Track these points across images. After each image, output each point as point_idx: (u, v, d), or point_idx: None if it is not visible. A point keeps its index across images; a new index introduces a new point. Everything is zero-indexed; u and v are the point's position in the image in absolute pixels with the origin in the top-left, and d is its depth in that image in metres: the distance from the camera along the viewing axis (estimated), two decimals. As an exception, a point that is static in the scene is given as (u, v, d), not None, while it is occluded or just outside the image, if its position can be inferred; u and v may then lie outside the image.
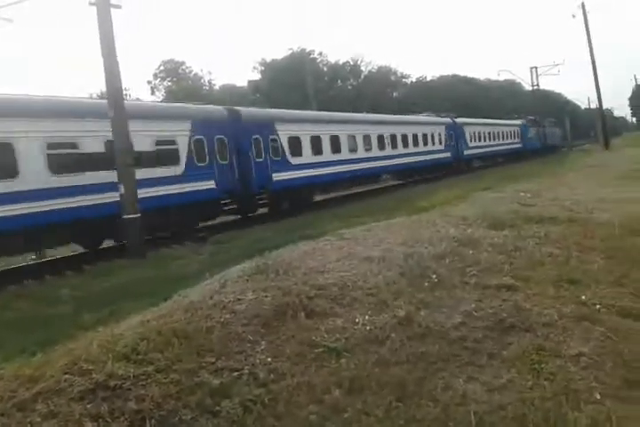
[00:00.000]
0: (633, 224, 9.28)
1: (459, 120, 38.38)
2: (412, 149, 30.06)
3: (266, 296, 5.29)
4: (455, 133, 36.36)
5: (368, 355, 4.46)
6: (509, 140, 47.64)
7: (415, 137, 30.74)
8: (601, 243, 7.98)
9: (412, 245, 7.07)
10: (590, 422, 3.61)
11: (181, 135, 16.07)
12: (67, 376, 3.80)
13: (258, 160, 18.71)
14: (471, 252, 6.94)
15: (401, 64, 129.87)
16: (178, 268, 10.90)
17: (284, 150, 20.02)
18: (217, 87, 63.49)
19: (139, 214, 12.80)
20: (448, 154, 35.02)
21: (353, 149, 24.41)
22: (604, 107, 49.97)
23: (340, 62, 67.79)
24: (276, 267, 6.13)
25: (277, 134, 19.62)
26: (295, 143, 20.53)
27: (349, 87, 67.83)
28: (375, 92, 63.47)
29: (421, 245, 7.08)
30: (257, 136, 18.64)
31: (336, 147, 23.03)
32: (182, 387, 3.87)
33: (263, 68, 63.16)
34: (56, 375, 3.80)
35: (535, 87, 56.16)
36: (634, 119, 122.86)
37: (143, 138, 14.63)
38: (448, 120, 36.85)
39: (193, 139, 16.37)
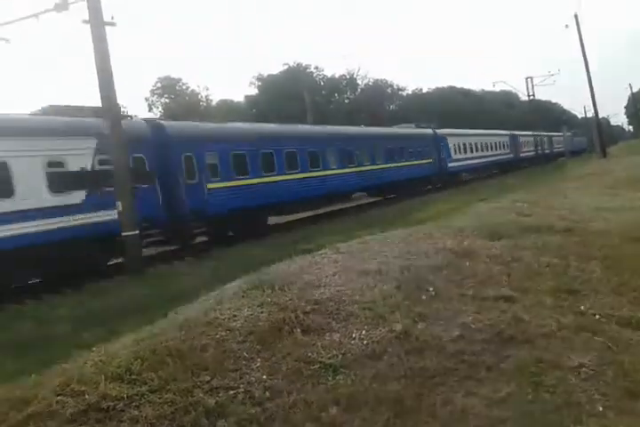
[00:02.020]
0: (631, 232, 9.25)
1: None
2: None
3: (262, 312, 5.25)
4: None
5: (365, 370, 4.41)
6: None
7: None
8: (599, 252, 7.93)
9: (408, 257, 7.02)
10: (592, 435, 3.55)
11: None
12: (59, 398, 3.76)
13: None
14: (468, 263, 6.89)
15: (397, 77, 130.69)
16: (176, 284, 10.83)
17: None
18: (214, 103, 63.90)
19: (137, 231, 12.78)
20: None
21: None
22: (601, 115, 50.36)
23: (337, 76, 68.30)
24: (272, 282, 6.08)
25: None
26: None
27: (346, 101, 68.25)
28: (372, 105, 63.81)
29: (418, 257, 7.04)
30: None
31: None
32: (177, 407, 3.82)
33: (260, 82, 63.58)
34: (48, 397, 3.75)
35: (531, 97, 56.43)
36: (630, 127, 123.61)
37: None
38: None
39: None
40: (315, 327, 5.07)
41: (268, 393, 4.06)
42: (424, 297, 5.75)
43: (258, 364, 4.44)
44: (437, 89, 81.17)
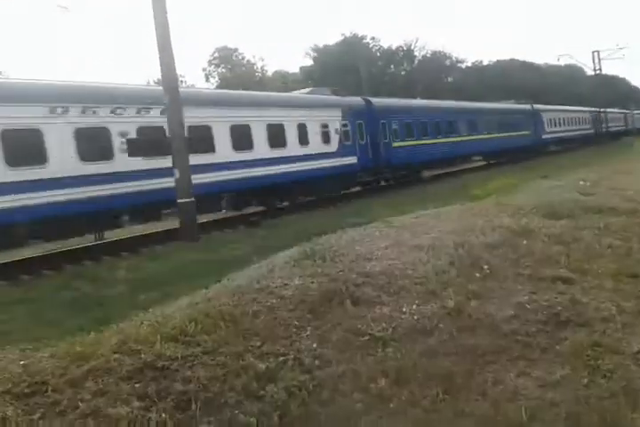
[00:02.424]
0: (702, 216, 8.77)
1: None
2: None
3: (312, 282, 5.27)
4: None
5: (415, 345, 4.38)
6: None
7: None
8: (666, 236, 7.56)
9: (463, 233, 6.88)
10: (651, 424, 3.42)
11: None
12: (116, 356, 3.88)
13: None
14: (526, 242, 6.70)
15: (456, 48, 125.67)
16: (229, 251, 11.04)
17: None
18: (269, 74, 63.74)
19: (192, 198, 13.00)
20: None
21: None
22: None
23: (394, 47, 66.72)
24: (323, 253, 6.09)
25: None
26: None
27: (402, 72, 66.75)
28: (429, 78, 62.19)
29: (473, 234, 6.88)
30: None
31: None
32: (228, 370, 3.90)
33: (315, 54, 62.85)
34: (106, 354, 3.88)
35: (597, 72, 53.64)
36: None
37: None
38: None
39: None
40: (365, 300, 5.06)
41: (317, 362, 4.09)
42: (478, 275, 5.64)
43: (308, 332, 4.48)
44: (498, 62, 78.23)
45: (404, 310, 4.90)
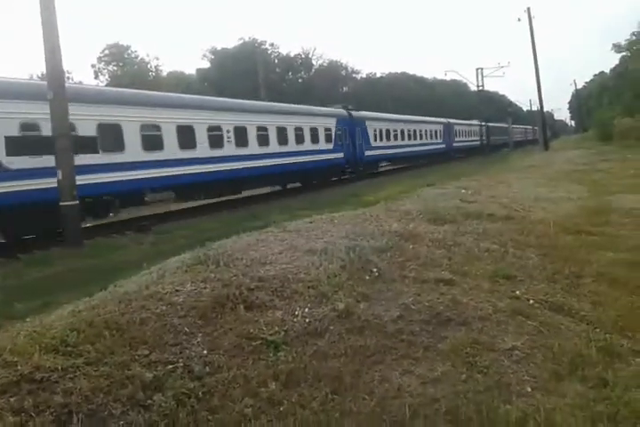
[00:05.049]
0: (566, 223, 9.67)
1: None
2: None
3: (205, 288, 5.17)
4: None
5: (306, 347, 4.44)
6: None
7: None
8: (536, 240, 8.24)
9: (354, 238, 7.08)
10: (520, 414, 3.70)
11: None
12: (-12, 369, 3.60)
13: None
14: (412, 246, 7.02)
15: (352, 59, 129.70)
16: (117, 257, 10.62)
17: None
18: (164, 74, 62.05)
19: (77, 201, 12.33)
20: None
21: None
22: (545, 109, 52.08)
23: (292, 54, 67.54)
24: (216, 258, 6.00)
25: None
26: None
27: (300, 80, 67.67)
28: (325, 86, 63.50)
29: (364, 238, 7.10)
30: None
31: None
32: (113, 380, 3.74)
33: (213, 56, 62.12)
34: (-24, 368, 3.59)
35: (480, 88, 57.57)
36: (572, 122, 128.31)
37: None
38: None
39: None
40: (258, 304, 5.05)
41: (207, 368, 4.03)
42: (368, 278, 5.82)
43: (199, 339, 4.40)
44: (390, 74, 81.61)
45: (297, 313, 4.95)
